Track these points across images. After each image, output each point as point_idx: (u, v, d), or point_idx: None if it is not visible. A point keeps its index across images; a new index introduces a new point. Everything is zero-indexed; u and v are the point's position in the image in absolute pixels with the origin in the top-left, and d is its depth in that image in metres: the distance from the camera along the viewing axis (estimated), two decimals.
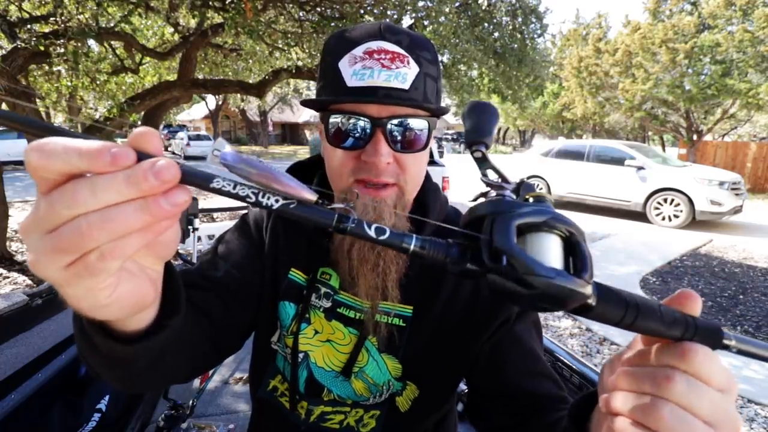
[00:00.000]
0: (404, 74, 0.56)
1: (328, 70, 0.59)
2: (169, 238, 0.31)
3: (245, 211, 0.78)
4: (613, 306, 0.32)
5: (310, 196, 0.30)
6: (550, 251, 0.30)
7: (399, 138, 0.58)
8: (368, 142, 0.57)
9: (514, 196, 0.37)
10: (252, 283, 0.69)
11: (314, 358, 0.68)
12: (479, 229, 0.32)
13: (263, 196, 0.29)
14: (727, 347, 0.32)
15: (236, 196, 0.29)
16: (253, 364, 0.79)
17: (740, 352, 0.32)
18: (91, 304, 0.30)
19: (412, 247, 0.31)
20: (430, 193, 0.71)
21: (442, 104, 0.63)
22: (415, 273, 0.67)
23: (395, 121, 0.57)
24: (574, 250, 0.32)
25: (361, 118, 0.56)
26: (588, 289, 0.30)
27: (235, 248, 0.71)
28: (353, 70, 0.56)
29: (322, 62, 0.62)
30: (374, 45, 0.56)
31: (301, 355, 0.69)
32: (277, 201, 0.29)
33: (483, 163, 0.44)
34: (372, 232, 0.30)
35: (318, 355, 0.68)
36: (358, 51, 0.56)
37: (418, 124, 0.58)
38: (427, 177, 0.71)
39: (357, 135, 0.57)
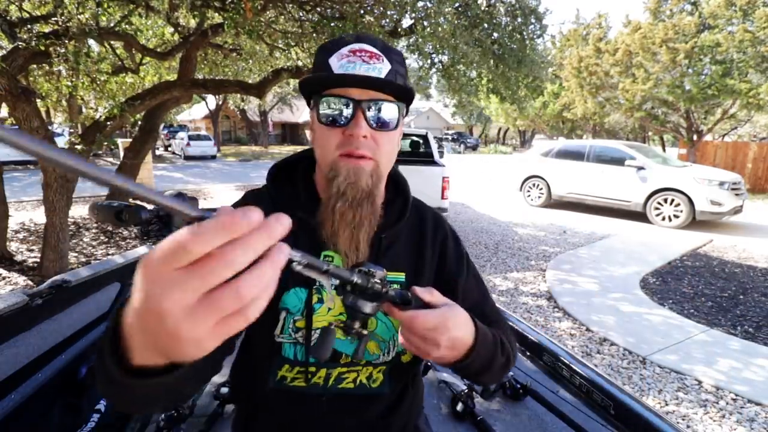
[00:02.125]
0: (379, 68, 0.72)
1: (320, 65, 0.75)
2: None
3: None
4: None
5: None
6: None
7: (375, 118, 0.73)
8: (351, 120, 0.72)
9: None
10: None
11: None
12: None
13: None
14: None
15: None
16: (249, 365, 0.84)
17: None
18: (209, 347, 0.33)
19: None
20: (403, 181, 0.90)
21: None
22: (402, 247, 0.84)
23: (372, 103, 0.72)
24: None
25: (346, 99, 0.71)
26: (384, 271, 0.59)
27: None
28: (340, 64, 0.72)
29: (315, 61, 0.78)
30: (357, 46, 0.73)
31: (317, 331, 0.77)
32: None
33: None
34: (321, 266, 0.45)
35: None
36: (344, 50, 0.72)
37: (389, 107, 0.74)
38: (397, 169, 0.88)
39: (342, 114, 0.72)
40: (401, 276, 0.83)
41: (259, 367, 0.80)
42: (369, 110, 0.72)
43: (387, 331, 0.81)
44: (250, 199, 0.85)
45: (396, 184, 0.89)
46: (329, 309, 0.78)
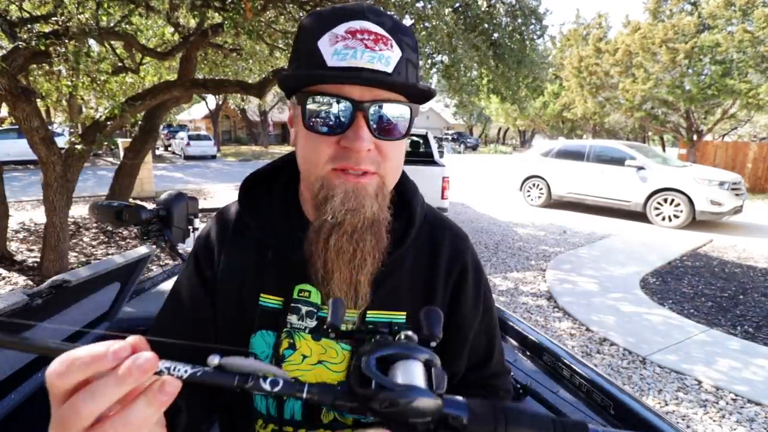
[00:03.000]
0: (388, 57, 0.54)
1: (305, 50, 0.56)
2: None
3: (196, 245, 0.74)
4: (484, 420, 0.36)
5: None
6: (412, 373, 0.37)
7: (381, 124, 0.55)
8: (349, 127, 0.54)
9: (392, 337, 0.43)
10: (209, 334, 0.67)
11: (307, 382, 0.65)
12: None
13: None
14: None
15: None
16: (223, 418, 0.73)
17: None
18: None
19: (305, 394, 0.36)
20: (411, 190, 0.71)
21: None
22: (405, 279, 0.66)
23: (378, 106, 0.54)
24: (430, 372, 0.38)
25: (343, 100, 0.54)
26: (439, 401, 0.35)
27: (186, 304, 0.68)
28: (334, 50, 0.53)
29: (297, 42, 0.59)
30: (357, 24, 0.53)
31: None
32: (186, 371, 0.34)
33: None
34: (267, 386, 0.35)
35: (311, 379, 0.63)
36: (340, 30, 0.53)
37: (400, 110, 0.57)
38: (404, 174, 0.70)
39: (337, 119, 0.55)
40: (401, 316, 0.65)
41: (235, 417, 0.69)
42: (373, 114, 0.54)
43: None
44: (219, 222, 0.71)
45: (401, 195, 0.70)
46: (304, 357, 0.64)
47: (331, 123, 0.55)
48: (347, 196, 0.56)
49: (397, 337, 0.42)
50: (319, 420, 0.64)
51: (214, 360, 0.35)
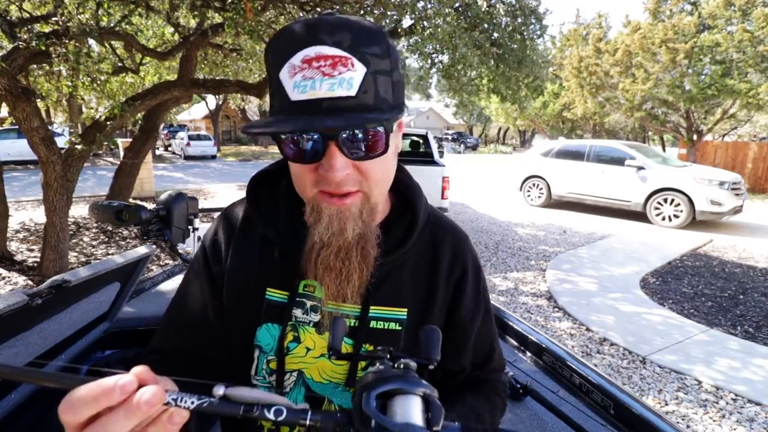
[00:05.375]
0: (349, 79, 0.51)
1: (272, 82, 0.55)
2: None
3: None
4: None
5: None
6: (410, 409, 0.38)
7: (355, 146, 0.54)
8: (323, 156, 0.54)
9: (391, 364, 0.43)
10: (217, 329, 0.70)
11: (310, 374, 0.67)
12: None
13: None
14: None
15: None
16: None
17: None
18: None
19: (308, 422, 0.37)
20: (415, 192, 0.71)
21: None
22: (406, 279, 0.68)
23: (348, 131, 0.53)
24: (429, 406, 0.39)
25: (312, 133, 0.53)
26: None
27: (193, 301, 0.71)
28: (294, 82, 0.51)
29: (267, 72, 0.57)
30: (312, 51, 0.51)
31: (294, 374, 0.66)
32: (193, 402, 0.35)
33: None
34: (271, 415, 0.36)
35: (314, 372, 0.66)
36: (296, 60, 0.51)
37: (374, 129, 0.55)
38: (408, 176, 0.71)
39: (311, 150, 0.54)
40: (402, 313, 0.67)
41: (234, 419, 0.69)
42: (345, 140, 0.53)
43: None
44: (226, 219, 0.73)
45: (403, 196, 0.71)
46: (308, 349, 0.66)
47: (306, 154, 0.55)
48: (331, 220, 0.58)
49: (396, 365, 0.43)
50: (320, 409, 0.67)
51: (219, 390, 0.36)
